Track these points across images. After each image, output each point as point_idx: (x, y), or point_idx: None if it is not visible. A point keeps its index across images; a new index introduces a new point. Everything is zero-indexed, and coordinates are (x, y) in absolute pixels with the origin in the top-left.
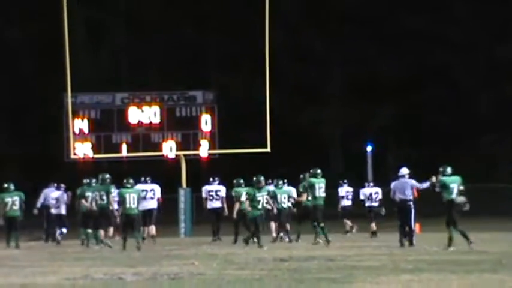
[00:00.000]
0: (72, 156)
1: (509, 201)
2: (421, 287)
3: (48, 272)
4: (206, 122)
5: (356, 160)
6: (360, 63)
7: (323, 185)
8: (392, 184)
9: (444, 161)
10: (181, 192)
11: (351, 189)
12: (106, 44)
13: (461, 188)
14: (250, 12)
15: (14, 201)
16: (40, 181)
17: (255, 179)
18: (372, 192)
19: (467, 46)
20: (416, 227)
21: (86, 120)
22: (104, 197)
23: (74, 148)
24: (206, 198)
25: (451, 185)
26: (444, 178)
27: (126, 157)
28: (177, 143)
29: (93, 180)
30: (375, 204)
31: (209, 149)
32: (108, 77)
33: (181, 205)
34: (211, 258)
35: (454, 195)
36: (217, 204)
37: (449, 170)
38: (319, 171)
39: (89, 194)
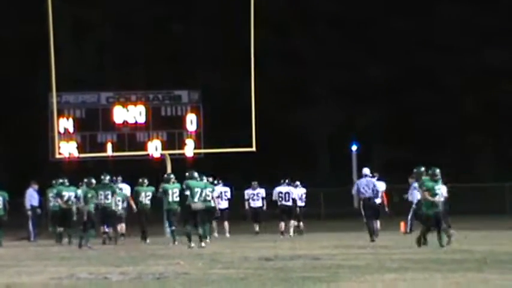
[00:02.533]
0: (58, 156)
1: (494, 200)
2: (405, 286)
3: (33, 272)
4: (191, 122)
5: (342, 160)
6: (347, 65)
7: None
8: (357, 182)
9: (428, 161)
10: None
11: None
12: (91, 42)
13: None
14: (237, 11)
15: None
16: (25, 181)
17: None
18: (283, 191)
19: (453, 49)
20: (401, 226)
21: (71, 120)
22: (109, 197)
23: (59, 148)
24: None
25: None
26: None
27: (112, 156)
28: (162, 142)
29: (66, 180)
30: (288, 203)
31: (194, 148)
32: (93, 76)
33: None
34: (196, 257)
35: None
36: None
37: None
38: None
39: (65, 193)
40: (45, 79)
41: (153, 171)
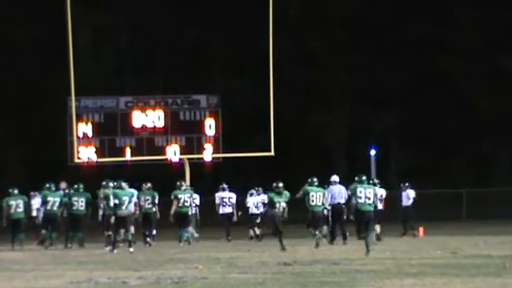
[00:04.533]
0: (76, 160)
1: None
2: None
3: (51, 276)
4: (210, 126)
5: (360, 164)
6: (364, 68)
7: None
8: (330, 189)
9: (444, 166)
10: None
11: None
12: (110, 47)
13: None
14: (255, 16)
15: (18, 204)
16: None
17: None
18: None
19: (468, 52)
20: (420, 231)
21: (90, 124)
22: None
23: (78, 152)
24: (219, 204)
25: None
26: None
27: (130, 161)
28: (180, 146)
29: (52, 185)
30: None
31: (213, 152)
32: (112, 81)
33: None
34: (215, 262)
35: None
36: (229, 209)
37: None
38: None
39: (50, 198)
40: (65, 83)
41: (171, 175)
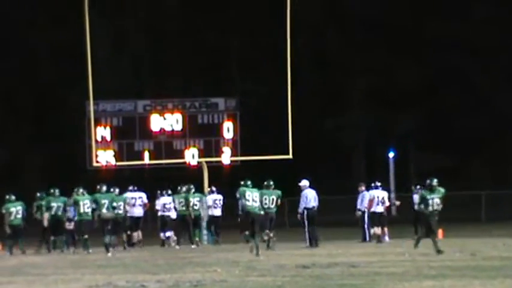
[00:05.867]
0: (95, 164)
1: None
2: None
3: (71, 280)
4: (228, 129)
5: (378, 166)
6: (382, 70)
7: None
8: (305, 193)
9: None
10: (204, 199)
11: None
12: (128, 51)
13: None
14: (272, 19)
15: (17, 210)
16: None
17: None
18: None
19: (486, 50)
20: (438, 233)
21: (108, 128)
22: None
23: (97, 156)
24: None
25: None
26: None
27: (149, 165)
28: (199, 150)
29: (57, 190)
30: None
31: (231, 156)
32: (130, 85)
33: (204, 212)
34: (233, 265)
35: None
36: (218, 212)
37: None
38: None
39: (54, 204)
40: (84, 87)
41: (190, 179)
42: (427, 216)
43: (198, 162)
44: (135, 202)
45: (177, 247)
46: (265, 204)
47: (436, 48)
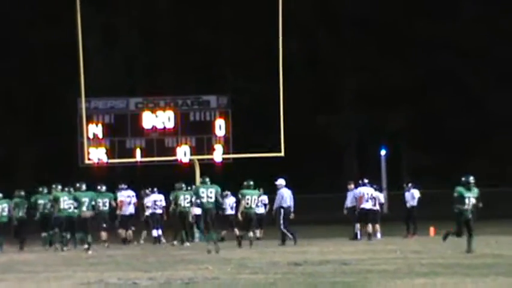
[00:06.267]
0: (87, 161)
1: None
2: None
3: (62, 277)
4: (220, 127)
5: (370, 164)
6: (374, 69)
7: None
8: (281, 192)
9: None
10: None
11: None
12: (120, 48)
13: None
14: (264, 17)
15: (3, 208)
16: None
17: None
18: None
19: (476, 50)
20: (430, 230)
21: (100, 125)
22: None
23: (88, 153)
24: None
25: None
26: None
27: (140, 162)
28: (191, 147)
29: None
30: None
31: (223, 153)
32: (122, 82)
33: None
34: (225, 262)
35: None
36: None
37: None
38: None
39: (41, 201)
40: (75, 84)
41: (181, 176)
42: (465, 214)
43: (190, 160)
44: (130, 201)
45: (175, 242)
46: (247, 204)
47: (426, 48)
